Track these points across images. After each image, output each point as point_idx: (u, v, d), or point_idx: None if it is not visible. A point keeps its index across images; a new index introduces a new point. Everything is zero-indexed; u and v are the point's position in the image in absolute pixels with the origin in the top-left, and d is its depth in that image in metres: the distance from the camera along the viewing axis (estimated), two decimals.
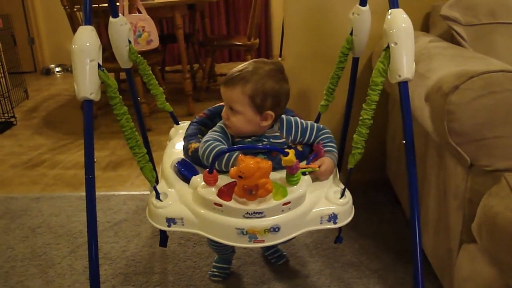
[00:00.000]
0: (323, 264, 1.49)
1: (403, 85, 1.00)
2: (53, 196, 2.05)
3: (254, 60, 1.15)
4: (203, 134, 1.18)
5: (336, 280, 1.41)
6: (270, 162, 0.95)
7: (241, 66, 1.13)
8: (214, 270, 1.45)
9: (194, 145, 1.15)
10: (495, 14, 1.39)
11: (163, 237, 1.44)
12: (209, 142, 1.08)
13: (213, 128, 1.16)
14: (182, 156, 1.18)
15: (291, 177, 1.01)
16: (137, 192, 2.05)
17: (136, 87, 1.49)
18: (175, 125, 1.45)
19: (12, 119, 3.21)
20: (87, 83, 0.95)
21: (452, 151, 1.00)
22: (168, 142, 1.37)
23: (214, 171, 1.01)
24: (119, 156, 2.54)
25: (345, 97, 1.36)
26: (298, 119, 1.20)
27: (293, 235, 1.02)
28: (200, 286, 1.41)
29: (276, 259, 1.50)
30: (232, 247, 1.41)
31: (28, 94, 3.86)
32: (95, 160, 0.99)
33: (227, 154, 1.05)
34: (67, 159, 2.54)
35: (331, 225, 1.05)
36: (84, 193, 0.99)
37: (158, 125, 2.95)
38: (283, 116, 1.18)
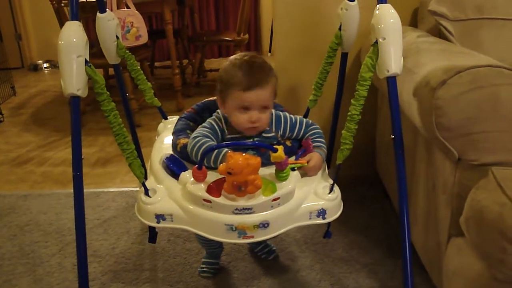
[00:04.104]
0: (313, 259, 1.50)
1: (392, 80, 1.00)
2: (41, 194, 2.03)
3: (245, 53, 1.15)
4: (192, 130, 1.18)
5: (326, 274, 1.42)
6: (259, 159, 0.94)
7: (245, 59, 1.11)
8: (203, 266, 1.45)
9: (183, 140, 1.15)
10: (482, 9, 1.40)
11: (152, 233, 1.43)
12: (198, 138, 1.08)
13: (203, 124, 1.16)
14: (171, 152, 1.17)
15: (280, 173, 1.01)
16: (127, 189, 2.04)
17: (124, 83, 1.47)
18: (163, 120, 1.44)
19: None
20: (74, 79, 0.94)
21: (440, 146, 1.01)
22: (156, 137, 1.36)
23: (203, 167, 1.00)
24: (108, 152, 2.52)
25: (334, 92, 1.37)
26: (287, 114, 1.20)
27: (282, 230, 1.02)
28: (190, 283, 1.41)
29: (266, 254, 1.50)
30: (220, 243, 1.41)
31: (15, 90, 3.81)
32: (83, 156, 0.99)
33: (215, 151, 1.04)
34: (55, 156, 2.51)
35: (320, 221, 1.06)
36: (72, 190, 0.99)
37: (147, 121, 2.93)
38: (273, 111, 1.18)
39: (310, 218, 1.05)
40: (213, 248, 1.42)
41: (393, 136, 1.03)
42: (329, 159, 1.37)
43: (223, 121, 1.16)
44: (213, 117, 1.18)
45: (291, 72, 1.80)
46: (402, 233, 1.04)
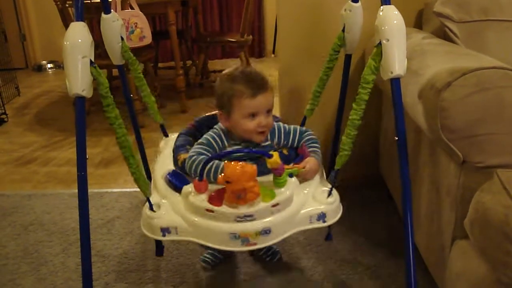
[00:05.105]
0: (317, 261, 1.49)
1: (395, 82, 1.00)
2: (45, 194, 2.04)
3: (236, 66, 1.20)
4: (192, 145, 1.21)
5: (329, 276, 1.42)
6: (254, 166, 0.97)
7: (240, 70, 1.16)
8: (207, 256, 1.48)
9: (183, 155, 1.17)
10: (488, 11, 1.39)
11: (159, 246, 1.42)
12: (193, 158, 1.11)
13: (199, 140, 1.19)
14: (173, 167, 1.20)
15: (278, 179, 1.04)
16: (130, 189, 2.04)
17: (128, 84, 1.48)
18: (164, 138, 1.46)
19: (3, 116, 3.18)
20: (79, 79, 0.94)
21: (445, 148, 1.00)
22: (158, 155, 1.38)
23: (204, 179, 1.03)
24: (112, 153, 2.52)
25: (337, 95, 1.36)
26: (281, 124, 1.23)
27: (284, 236, 1.04)
28: (194, 283, 1.41)
29: (270, 256, 1.50)
30: None
31: (20, 90, 3.82)
32: (87, 157, 0.99)
33: (213, 167, 1.07)
34: (59, 156, 2.52)
35: (320, 224, 1.08)
36: (76, 190, 0.99)
37: (151, 121, 2.92)
38: None
39: (310, 222, 1.07)
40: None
41: (397, 138, 1.03)
42: (332, 163, 1.37)
43: (222, 134, 1.19)
44: (211, 132, 1.20)
45: (294, 73, 1.80)
46: (406, 235, 1.04)
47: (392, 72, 0.98)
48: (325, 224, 1.08)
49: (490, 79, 0.93)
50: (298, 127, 1.24)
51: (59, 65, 4.85)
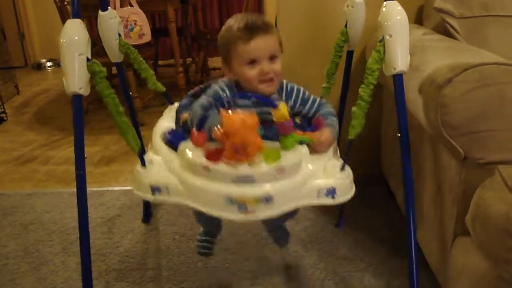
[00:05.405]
0: (318, 258, 1.49)
1: (398, 78, 1.00)
2: (45, 192, 2.03)
3: (239, 15, 1.08)
4: None
5: (330, 273, 1.41)
6: (255, 116, 0.88)
7: (239, 17, 1.06)
8: (201, 244, 1.37)
9: (185, 115, 1.10)
10: (488, 7, 1.39)
11: (147, 211, 1.34)
12: (195, 109, 1.03)
13: (205, 93, 1.10)
14: (173, 127, 1.14)
15: (285, 139, 0.93)
16: (131, 188, 2.03)
17: (128, 81, 1.47)
18: (169, 105, 1.39)
19: (3, 115, 3.17)
20: (76, 77, 0.94)
21: (446, 144, 1.00)
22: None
23: (203, 131, 0.94)
24: (112, 151, 2.52)
25: (338, 91, 1.36)
26: (301, 88, 1.13)
27: (287, 208, 0.94)
28: (195, 282, 1.41)
29: (277, 239, 1.40)
30: (219, 223, 1.35)
31: (19, 89, 3.81)
32: (85, 155, 0.98)
33: (215, 119, 0.96)
34: (58, 155, 2.51)
35: (329, 200, 0.97)
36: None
37: (151, 119, 2.91)
38: (285, 81, 1.12)
39: (318, 197, 0.96)
40: (212, 226, 1.35)
41: (399, 135, 1.02)
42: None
43: (230, 85, 1.09)
44: (218, 81, 1.11)
45: (295, 70, 1.79)
46: (408, 232, 1.04)
47: (395, 68, 0.97)
48: (334, 202, 0.97)
49: (491, 75, 0.92)
50: (318, 98, 1.12)
51: (58, 63, 4.83)
